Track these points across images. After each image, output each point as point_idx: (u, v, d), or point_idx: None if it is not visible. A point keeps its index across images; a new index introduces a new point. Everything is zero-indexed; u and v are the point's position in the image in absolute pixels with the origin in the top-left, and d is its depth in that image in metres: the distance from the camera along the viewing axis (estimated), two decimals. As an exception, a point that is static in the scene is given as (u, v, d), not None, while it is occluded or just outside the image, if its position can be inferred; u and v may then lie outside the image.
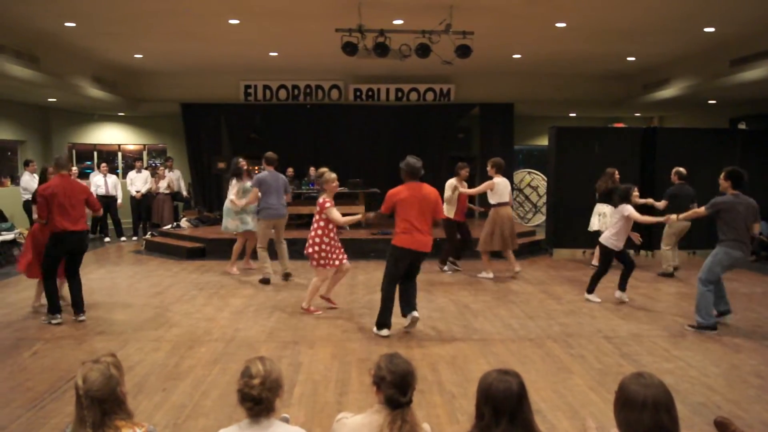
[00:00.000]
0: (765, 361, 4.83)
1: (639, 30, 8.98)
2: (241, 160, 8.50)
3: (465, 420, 3.57)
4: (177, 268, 8.99)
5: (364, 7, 7.62)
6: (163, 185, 12.31)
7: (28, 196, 9.74)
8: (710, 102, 12.15)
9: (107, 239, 12.06)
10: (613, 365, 4.71)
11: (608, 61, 11.43)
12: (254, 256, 8.46)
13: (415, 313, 5.49)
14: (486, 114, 13.73)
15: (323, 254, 6.01)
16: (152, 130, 14.75)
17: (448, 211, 7.97)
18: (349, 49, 8.27)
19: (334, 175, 6.11)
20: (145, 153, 15.06)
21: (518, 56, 11.11)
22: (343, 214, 6.18)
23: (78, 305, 5.95)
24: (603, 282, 6.83)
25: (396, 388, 2.25)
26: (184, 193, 13.35)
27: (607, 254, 6.72)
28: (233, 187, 8.33)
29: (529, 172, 13.40)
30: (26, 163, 10.74)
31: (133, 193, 12.35)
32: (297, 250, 8.30)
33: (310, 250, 6.04)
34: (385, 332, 5.44)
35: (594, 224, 8.94)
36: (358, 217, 6.33)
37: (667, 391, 1.96)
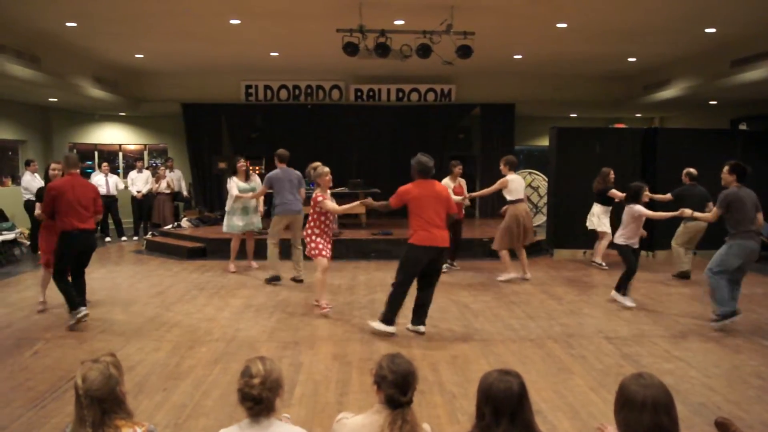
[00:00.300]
0: (765, 362, 4.82)
1: (640, 31, 8.98)
2: (241, 159, 8.51)
3: (465, 420, 3.57)
4: (178, 268, 8.99)
5: (365, 8, 7.62)
6: (162, 186, 12.32)
7: (29, 196, 9.74)
8: (711, 103, 12.15)
9: (108, 239, 12.07)
10: (614, 366, 4.70)
11: (609, 61, 11.43)
12: (257, 256, 8.42)
13: (422, 328, 5.49)
14: (487, 114, 13.74)
15: (318, 240, 6.01)
16: (153, 130, 14.75)
17: None
18: (350, 49, 8.28)
19: (327, 169, 6.07)
20: (146, 153, 15.07)
21: (519, 57, 11.12)
22: None
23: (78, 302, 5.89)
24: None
25: (397, 388, 2.25)
26: (185, 193, 13.37)
27: (625, 252, 6.59)
28: (233, 182, 8.28)
29: (529, 173, 13.37)
30: (27, 163, 10.74)
31: (134, 193, 12.37)
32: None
33: (307, 240, 6.08)
34: (384, 327, 5.38)
35: (590, 223, 8.96)
36: (355, 204, 6.24)
37: (667, 392, 1.96)
